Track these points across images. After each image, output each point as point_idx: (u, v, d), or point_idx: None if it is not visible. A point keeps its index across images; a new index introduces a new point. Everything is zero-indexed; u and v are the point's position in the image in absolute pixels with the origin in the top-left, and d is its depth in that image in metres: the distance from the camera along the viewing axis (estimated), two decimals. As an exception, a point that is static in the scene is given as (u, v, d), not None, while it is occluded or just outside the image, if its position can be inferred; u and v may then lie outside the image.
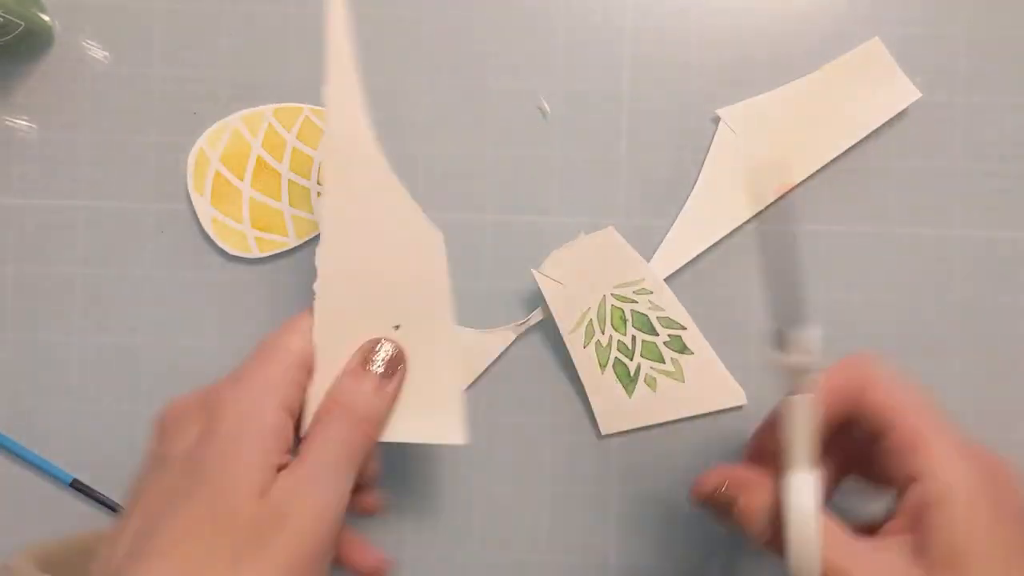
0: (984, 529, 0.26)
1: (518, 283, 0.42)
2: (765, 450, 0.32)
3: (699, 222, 0.42)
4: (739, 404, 0.41)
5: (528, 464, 0.42)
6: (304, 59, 0.42)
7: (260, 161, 0.42)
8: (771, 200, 0.42)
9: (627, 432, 0.42)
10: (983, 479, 0.27)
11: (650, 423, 0.41)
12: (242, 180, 0.42)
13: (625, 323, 0.40)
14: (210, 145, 0.42)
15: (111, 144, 0.42)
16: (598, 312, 0.40)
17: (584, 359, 0.41)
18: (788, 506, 0.28)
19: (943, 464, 0.27)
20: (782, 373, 0.29)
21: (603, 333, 0.40)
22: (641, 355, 0.40)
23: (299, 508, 0.28)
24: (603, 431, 0.41)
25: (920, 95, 0.42)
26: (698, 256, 0.42)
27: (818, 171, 0.42)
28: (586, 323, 0.40)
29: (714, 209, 0.42)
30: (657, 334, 0.40)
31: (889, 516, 0.29)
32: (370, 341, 0.32)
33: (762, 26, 0.43)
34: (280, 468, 0.29)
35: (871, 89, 0.42)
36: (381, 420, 0.32)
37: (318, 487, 0.29)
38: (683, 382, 0.41)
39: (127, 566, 0.26)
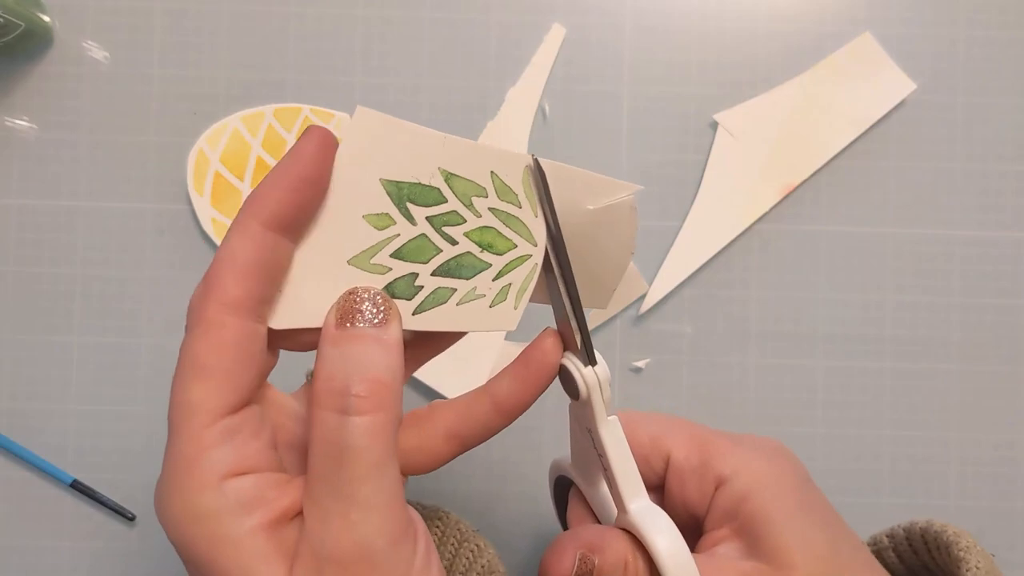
0: (796, 507, 0.27)
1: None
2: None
3: (704, 230, 0.42)
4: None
5: (541, 472, 0.42)
6: (304, 59, 0.42)
7: (260, 161, 0.42)
8: (775, 202, 0.42)
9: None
10: (773, 463, 0.28)
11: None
12: (242, 180, 0.42)
13: None
14: (210, 145, 0.42)
15: (111, 144, 0.42)
16: None
17: None
18: (656, 548, 0.25)
19: (738, 462, 0.28)
20: (585, 403, 0.26)
21: None
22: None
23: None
24: None
25: (915, 86, 0.42)
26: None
27: (818, 171, 0.42)
28: None
29: (718, 216, 0.42)
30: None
31: (699, 532, 0.28)
32: (344, 294, 0.24)
33: (761, 27, 0.43)
34: (278, 519, 0.23)
35: (865, 83, 0.42)
36: (395, 380, 0.23)
37: (356, 531, 0.22)
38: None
39: None
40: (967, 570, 0.27)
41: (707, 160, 0.42)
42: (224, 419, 0.23)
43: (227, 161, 0.42)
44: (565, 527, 0.34)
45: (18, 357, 0.42)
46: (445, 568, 0.31)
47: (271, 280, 0.23)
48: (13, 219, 0.42)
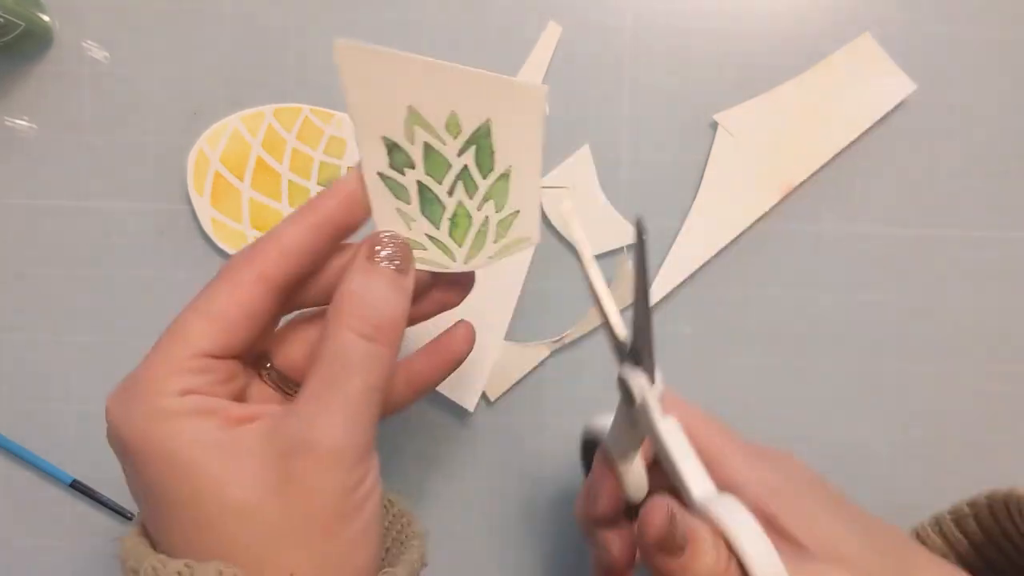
0: (817, 506, 0.28)
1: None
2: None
3: (704, 230, 0.42)
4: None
5: (545, 474, 0.42)
6: (304, 59, 0.42)
7: (260, 161, 0.42)
8: (775, 202, 0.42)
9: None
10: (780, 470, 0.29)
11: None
12: (242, 180, 0.42)
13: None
14: (210, 145, 0.42)
15: (111, 144, 0.42)
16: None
17: None
18: (733, 533, 0.25)
19: (747, 471, 0.29)
20: (640, 407, 0.27)
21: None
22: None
23: (312, 482, 0.24)
24: None
25: (915, 86, 0.42)
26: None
27: (818, 171, 0.42)
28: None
29: (718, 216, 0.42)
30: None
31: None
32: (373, 233, 0.28)
33: (760, 27, 0.42)
34: (235, 420, 0.25)
35: (865, 84, 0.42)
36: (403, 323, 0.27)
37: (336, 433, 0.25)
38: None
39: None
40: None
41: (707, 160, 0.42)
42: (202, 359, 0.26)
43: (227, 161, 0.42)
44: (587, 463, 0.35)
45: (18, 357, 0.42)
46: None
47: (303, 269, 0.27)
48: (13, 219, 0.42)
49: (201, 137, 0.41)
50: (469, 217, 0.29)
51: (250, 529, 0.24)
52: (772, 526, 0.27)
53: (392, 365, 0.27)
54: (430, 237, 0.29)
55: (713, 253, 0.42)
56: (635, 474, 0.31)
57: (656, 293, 0.42)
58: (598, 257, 0.41)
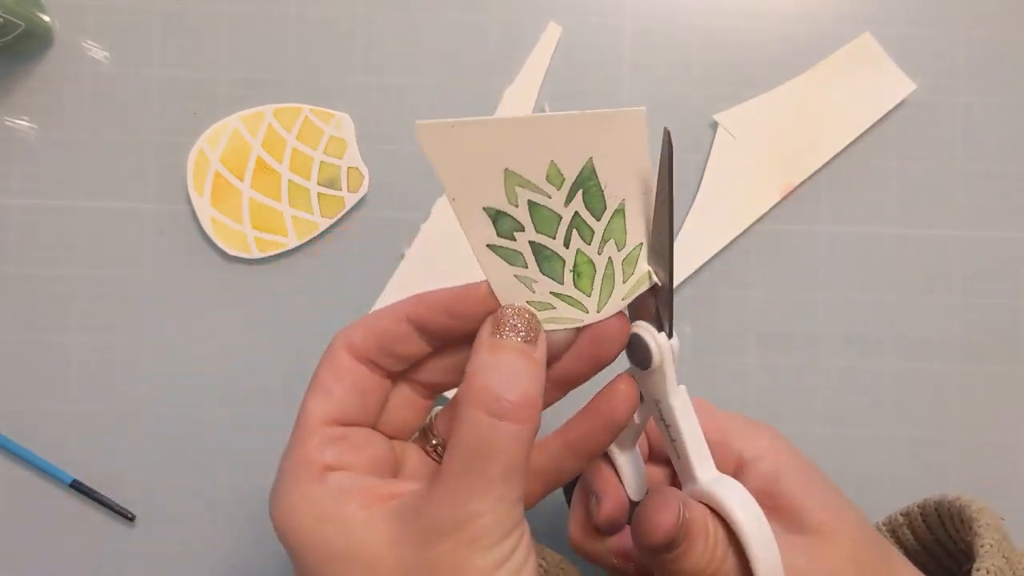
0: (819, 484, 0.29)
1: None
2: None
3: (704, 229, 0.42)
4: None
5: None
6: (304, 59, 0.42)
7: (260, 161, 0.42)
8: (775, 202, 0.42)
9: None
10: (788, 448, 0.30)
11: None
12: (242, 180, 0.42)
13: None
14: (210, 145, 0.42)
15: (111, 144, 0.42)
16: None
17: None
18: (735, 515, 0.25)
19: (760, 445, 0.30)
20: (654, 372, 0.28)
21: None
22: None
23: (457, 564, 0.24)
24: None
25: (915, 86, 0.42)
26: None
27: (818, 171, 0.42)
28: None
29: (718, 216, 0.42)
30: None
31: None
32: (500, 309, 0.27)
33: (760, 28, 0.43)
34: (376, 500, 0.25)
35: (865, 83, 0.42)
36: (538, 396, 0.26)
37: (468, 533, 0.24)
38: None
39: None
40: (979, 527, 0.29)
41: (707, 160, 0.42)
42: (329, 427, 0.26)
43: (227, 161, 0.42)
44: (570, 492, 0.35)
45: (18, 357, 0.42)
46: None
47: (389, 350, 0.28)
48: (13, 219, 0.42)
49: (201, 137, 0.42)
50: (592, 264, 0.27)
51: None
52: (777, 503, 0.28)
53: (532, 440, 0.25)
54: (556, 294, 0.27)
55: (713, 253, 0.42)
56: (635, 468, 0.31)
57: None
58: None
